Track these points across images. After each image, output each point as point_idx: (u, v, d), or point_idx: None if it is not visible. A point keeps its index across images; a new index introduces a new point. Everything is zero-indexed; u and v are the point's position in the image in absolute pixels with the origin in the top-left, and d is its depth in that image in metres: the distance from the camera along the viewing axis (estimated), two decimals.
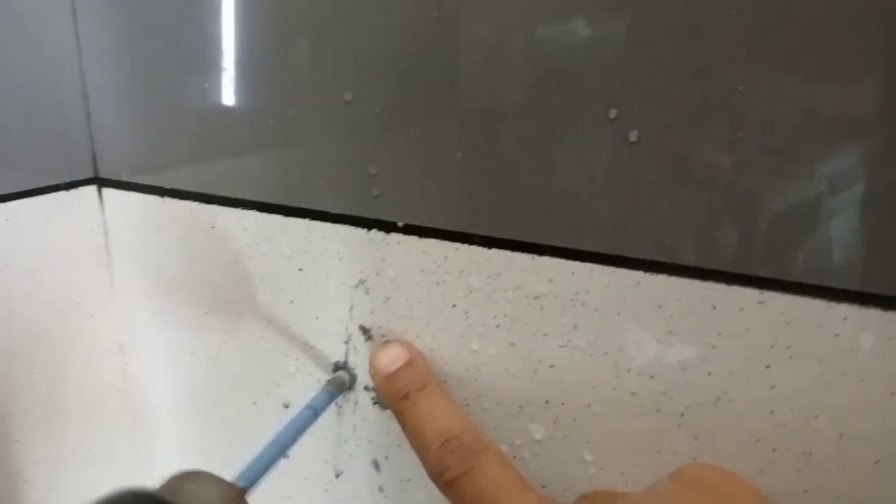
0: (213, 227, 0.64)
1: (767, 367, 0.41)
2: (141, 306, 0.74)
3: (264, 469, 0.51)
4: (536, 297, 0.48)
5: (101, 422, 0.77)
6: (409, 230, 0.53)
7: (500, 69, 0.46)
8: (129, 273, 0.73)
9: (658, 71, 0.41)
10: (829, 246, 0.39)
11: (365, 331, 0.58)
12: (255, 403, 0.68)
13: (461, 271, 0.51)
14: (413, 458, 0.57)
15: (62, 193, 0.69)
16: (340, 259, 0.57)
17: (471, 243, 0.50)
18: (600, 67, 0.43)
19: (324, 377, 0.62)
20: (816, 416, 0.41)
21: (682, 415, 0.45)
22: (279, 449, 0.53)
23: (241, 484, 0.47)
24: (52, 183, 0.69)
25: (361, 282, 0.57)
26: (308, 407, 0.57)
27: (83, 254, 0.72)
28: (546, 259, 0.47)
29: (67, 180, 0.70)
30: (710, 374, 0.43)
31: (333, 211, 0.57)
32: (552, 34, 0.44)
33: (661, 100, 0.41)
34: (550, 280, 0.48)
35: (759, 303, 0.41)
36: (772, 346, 0.41)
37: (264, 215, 0.61)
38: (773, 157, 0.39)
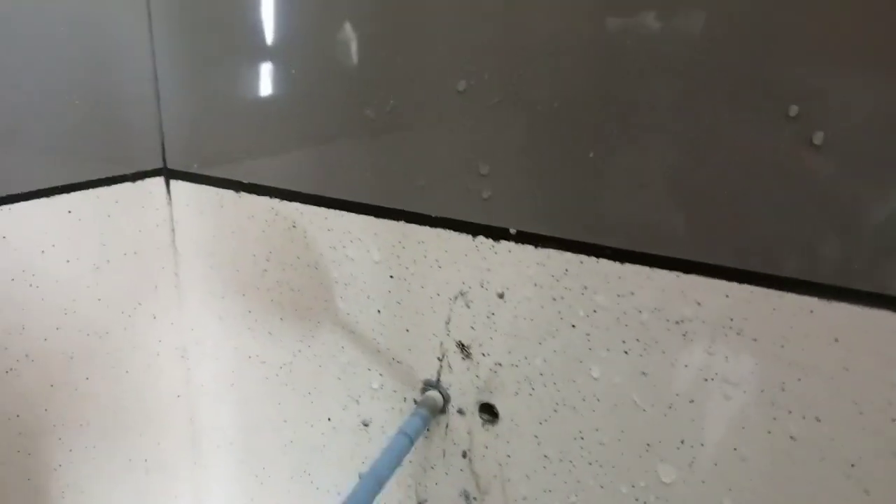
0: (294, 227, 0.59)
1: None
2: (208, 309, 0.69)
3: None
4: (679, 322, 0.42)
5: (161, 431, 0.72)
6: (522, 238, 0.47)
7: (651, 50, 0.40)
8: (197, 273, 0.68)
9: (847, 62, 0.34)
10: None
11: (463, 348, 0.52)
12: (329, 419, 0.62)
13: (585, 287, 0.45)
14: (511, 491, 0.52)
15: (128, 185, 0.64)
16: (439, 267, 0.52)
17: (599, 256, 0.44)
18: (777, 55, 0.36)
19: (410, 395, 0.56)
20: None
21: (853, 465, 0.38)
22: (376, 484, 0.47)
23: None
24: (117, 173, 0.64)
25: (462, 294, 0.51)
26: (401, 433, 0.51)
27: (148, 251, 0.67)
28: (694, 277, 0.41)
29: (134, 170, 0.65)
30: (894, 420, 0.37)
31: (434, 214, 0.51)
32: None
33: (853, 95, 0.35)
34: (698, 303, 0.41)
35: None
36: None
37: (353, 215, 0.55)
38: None
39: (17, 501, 0.62)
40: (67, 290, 0.62)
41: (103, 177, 0.62)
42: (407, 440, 0.49)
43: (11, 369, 0.59)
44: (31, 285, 0.59)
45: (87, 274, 0.63)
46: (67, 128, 0.59)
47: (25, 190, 0.57)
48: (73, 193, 0.60)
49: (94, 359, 0.65)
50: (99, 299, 0.64)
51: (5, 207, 0.56)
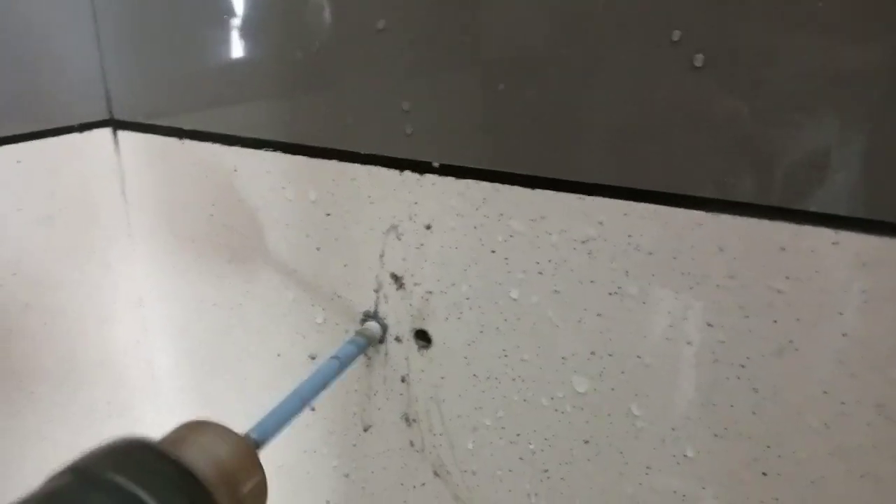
0: (236, 171, 0.61)
1: (840, 313, 0.38)
2: (160, 256, 0.71)
3: (282, 422, 0.48)
4: (584, 242, 0.45)
5: (120, 376, 0.75)
6: (444, 171, 0.50)
7: None
8: (148, 221, 0.71)
9: None
10: None
11: (397, 279, 0.55)
12: (279, 356, 0.66)
13: (501, 214, 0.48)
14: (446, 411, 0.55)
15: (75, 136, 0.66)
16: (371, 203, 0.54)
17: (512, 183, 0.47)
18: None
19: (351, 327, 0.59)
20: (892, 366, 0.38)
21: (743, 366, 0.42)
22: (299, 401, 0.50)
23: (254, 437, 0.45)
24: (63, 125, 0.66)
25: (393, 227, 0.54)
26: (333, 357, 0.54)
27: (99, 201, 0.69)
28: (596, 199, 0.44)
29: (80, 122, 0.67)
30: (775, 321, 0.40)
31: (363, 151, 0.53)
32: None
33: (732, 17, 0.37)
34: (600, 223, 0.44)
35: (834, 243, 0.37)
36: (845, 291, 0.38)
37: (289, 157, 0.57)
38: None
39: None
40: (19, 239, 0.64)
41: (50, 128, 0.64)
42: (336, 363, 0.52)
43: None
44: None
45: (37, 224, 0.65)
46: (13, 80, 0.61)
47: None
48: (21, 144, 0.62)
49: (51, 307, 0.67)
50: (51, 249, 0.66)
51: None
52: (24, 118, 0.62)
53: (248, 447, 0.42)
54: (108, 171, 0.69)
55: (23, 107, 0.62)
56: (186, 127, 0.63)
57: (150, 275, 0.73)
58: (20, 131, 0.62)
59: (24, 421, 0.67)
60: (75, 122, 0.66)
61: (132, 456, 0.35)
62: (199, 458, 0.38)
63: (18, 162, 0.62)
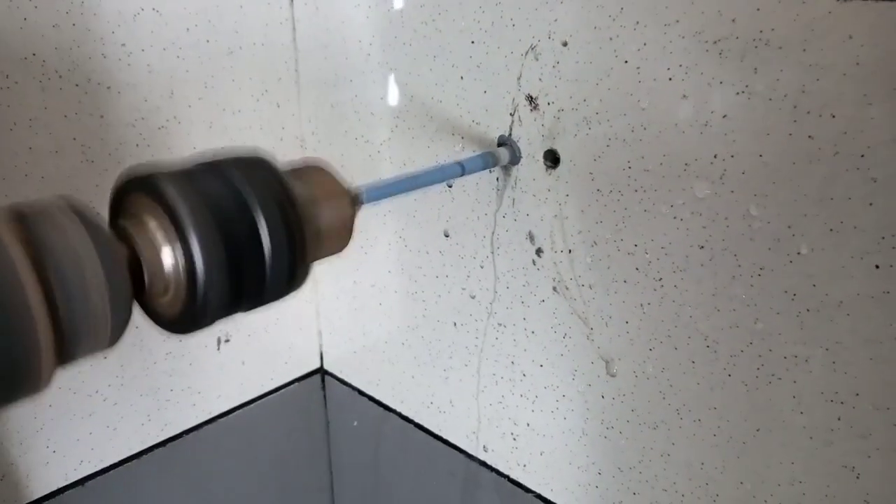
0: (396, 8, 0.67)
1: None
2: (324, 99, 0.79)
3: (387, 192, 0.51)
4: (716, 42, 0.47)
5: None
6: None
7: None
8: (313, 68, 0.79)
9: None
10: None
11: (531, 100, 0.59)
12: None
13: (637, 22, 0.51)
14: (569, 227, 0.59)
15: None
16: (513, 25, 0.58)
17: None
18: None
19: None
20: None
21: (863, 156, 0.43)
22: (409, 181, 0.54)
23: (358, 192, 0.46)
24: None
25: (532, 48, 0.58)
26: (457, 163, 0.58)
27: (273, 45, 0.78)
28: None
29: None
30: None
31: None
32: None
33: None
34: (733, 20, 0.46)
35: None
36: None
37: None
38: None
39: None
40: (210, 68, 0.73)
41: None
42: (458, 167, 0.57)
43: (162, 127, 0.72)
44: (177, 57, 0.71)
45: (223, 56, 0.74)
46: None
47: None
48: None
49: (229, 132, 0.77)
50: (233, 80, 0.76)
51: None
52: None
53: (353, 198, 0.44)
54: (283, 18, 0.78)
55: None
56: None
57: (313, 118, 0.81)
58: None
59: None
60: None
61: (253, 164, 0.39)
62: (303, 187, 0.41)
63: None
